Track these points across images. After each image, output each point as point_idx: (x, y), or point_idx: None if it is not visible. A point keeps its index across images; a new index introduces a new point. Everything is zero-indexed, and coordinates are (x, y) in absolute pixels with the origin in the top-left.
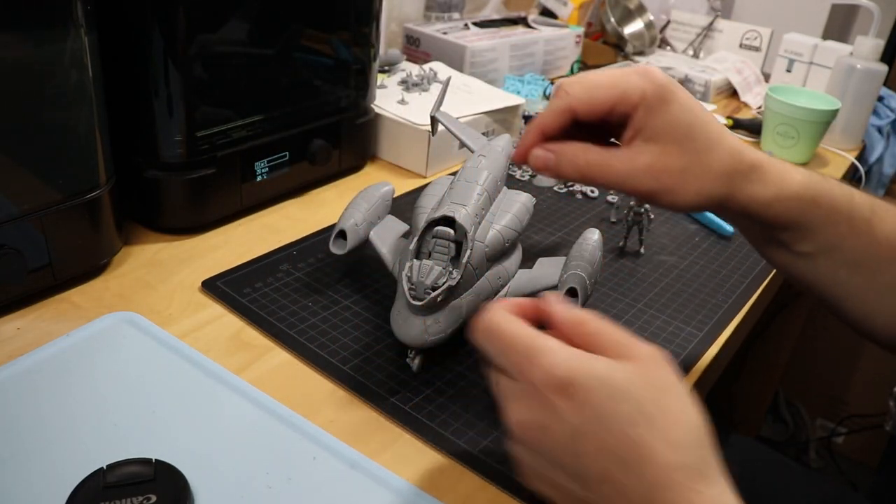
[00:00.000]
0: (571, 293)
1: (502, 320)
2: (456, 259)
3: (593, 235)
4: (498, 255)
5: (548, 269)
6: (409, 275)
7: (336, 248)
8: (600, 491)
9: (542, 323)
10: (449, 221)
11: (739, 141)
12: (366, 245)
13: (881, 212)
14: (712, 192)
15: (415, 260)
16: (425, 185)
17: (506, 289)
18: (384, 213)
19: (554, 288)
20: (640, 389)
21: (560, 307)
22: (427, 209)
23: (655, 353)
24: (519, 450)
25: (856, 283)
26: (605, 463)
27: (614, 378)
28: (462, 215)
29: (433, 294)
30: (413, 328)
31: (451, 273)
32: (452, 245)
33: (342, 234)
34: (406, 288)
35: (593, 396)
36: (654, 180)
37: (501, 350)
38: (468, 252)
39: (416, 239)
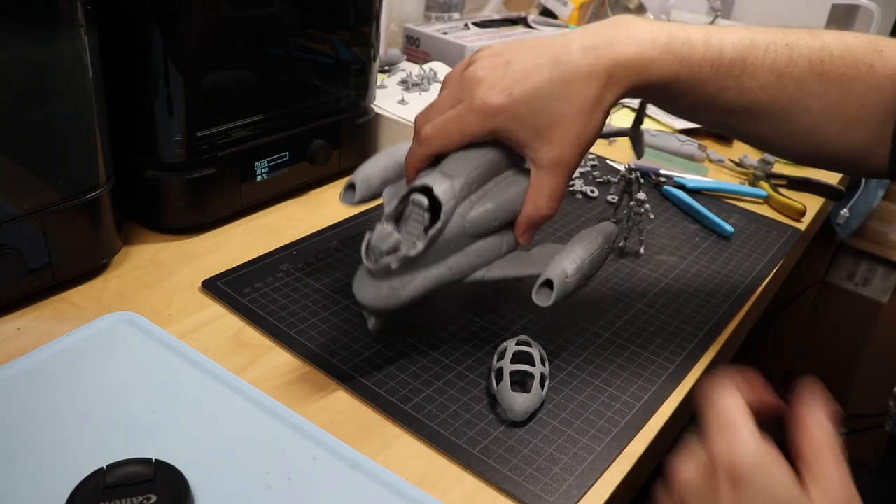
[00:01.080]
0: (548, 284)
1: (726, 393)
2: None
3: (606, 228)
4: (482, 232)
5: (542, 255)
6: (369, 237)
7: (346, 199)
8: None
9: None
10: (428, 191)
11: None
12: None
13: (752, 68)
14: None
15: (378, 223)
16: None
17: (487, 268)
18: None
19: (537, 276)
20: None
21: (815, 423)
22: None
23: (839, 486)
24: (665, 499)
25: (740, 126)
26: None
27: (780, 490)
28: (443, 189)
29: (384, 260)
30: (366, 289)
31: (414, 243)
32: (427, 214)
33: (353, 187)
34: (363, 248)
35: (755, 496)
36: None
37: (706, 411)
38: (438, 225)
39: (396, 201)
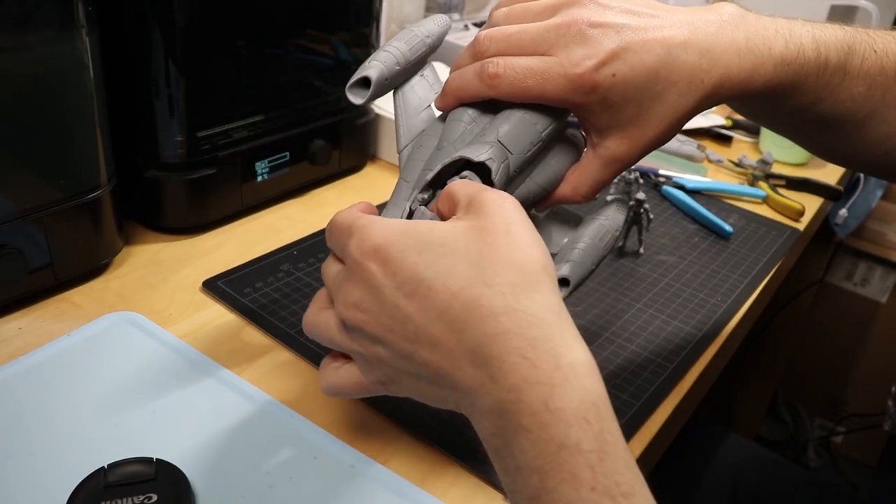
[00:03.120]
0: (563, 282)
1: (340, 212)
2: None
3: (619, 216)
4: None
5: (552, 231)
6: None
7: (354, 96)
8: (431, 361)
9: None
10: (485, 169)
11: (691, 63)
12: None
13: (849, 78)
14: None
15: (419, 206)
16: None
17: None
18: (426, 60)
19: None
20: (460, 241)
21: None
22: (464, 120)
23: (496, 199)
24: (349, 343)
25: (814, 135)
26: (430, 327)
27: (431, 235)
28: (500, 170)
29: None
30: None
31: None
32: None
33: (366, 83)
34: None
35: (407, 257)
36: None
37: (329, 234)
38: None
39: (433, 173)
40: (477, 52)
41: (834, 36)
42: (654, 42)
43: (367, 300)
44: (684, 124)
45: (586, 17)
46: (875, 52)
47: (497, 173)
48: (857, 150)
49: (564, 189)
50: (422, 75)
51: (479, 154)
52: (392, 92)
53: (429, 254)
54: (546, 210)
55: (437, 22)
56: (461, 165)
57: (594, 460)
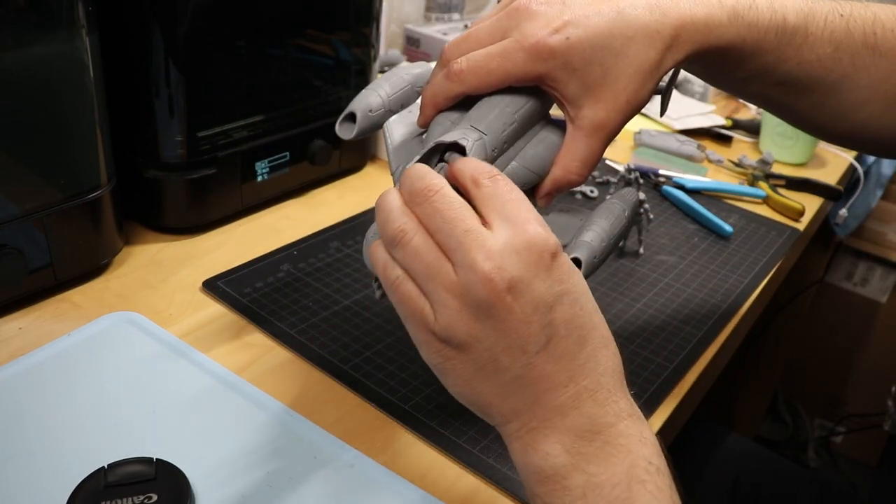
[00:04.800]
0: (575, 262)
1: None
2: None
3: (629, 196)
4: None
5: (562, 222)
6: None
7: (343, 132)
8: (538, 369)
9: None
10: (459, 149)
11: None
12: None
13: (812, 38)
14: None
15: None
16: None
17: None
18: (411, 100)
19: (564, 248)
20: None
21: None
22: (445, 124)
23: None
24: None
25: (787, 100)
26: (570, 336)
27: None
28: (476, 149)
29: None
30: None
31: None
32: None
33: (352, 117)
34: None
35: (575, 273)
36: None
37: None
38: None
39: (416, 160)
40: (443, 60)
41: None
42: (601, 4)
43: (528, 283)
44: (657, 81)
45: None
46: (841, 15)
47: (471, 150)
48: (833, 118)
49: (556, 171)
50: (409, 111)
51: (452, 136)
52: (383, 126)
53: (584, 282)
54: (549, 201)
55: (419, 66)
56: (441, 153)
57: None
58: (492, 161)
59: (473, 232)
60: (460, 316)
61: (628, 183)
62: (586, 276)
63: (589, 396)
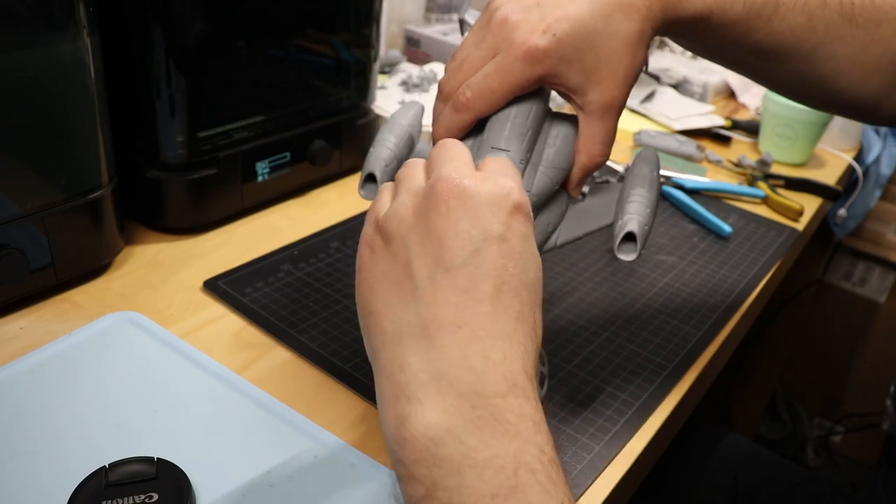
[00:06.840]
0: (628, 237)
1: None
2: None
3: (651, 157)
4: (546, 200)
5: (598, 203)
6: None
7: (367, 193)
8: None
9: None
10: None
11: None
12: None
13: (783, 9)
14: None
15: None
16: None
17: (556, 234)
18: (416, 141)
19: (608, 227)
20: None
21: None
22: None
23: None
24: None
25: (764, 68)
26: (486, 281)
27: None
28: None
29: None
30: None
31: None
32: None
33: (372, 178)
34: None
35: (528, 242)
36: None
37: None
38: None
39: None
40: (444, 95)
41: None
42: None
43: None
44: (646, 47)
45: (508, 12)
46: None
47: None
48: (810, 85)
49: (581, 159)
50: (417, 151)
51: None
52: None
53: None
54: (580, 189)
55: (410, 107)
56: None
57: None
58: (522, 173)
59: (458, 160)
60: (404, 207)
61: None
62: (642, 247)
63: (481, 352)
